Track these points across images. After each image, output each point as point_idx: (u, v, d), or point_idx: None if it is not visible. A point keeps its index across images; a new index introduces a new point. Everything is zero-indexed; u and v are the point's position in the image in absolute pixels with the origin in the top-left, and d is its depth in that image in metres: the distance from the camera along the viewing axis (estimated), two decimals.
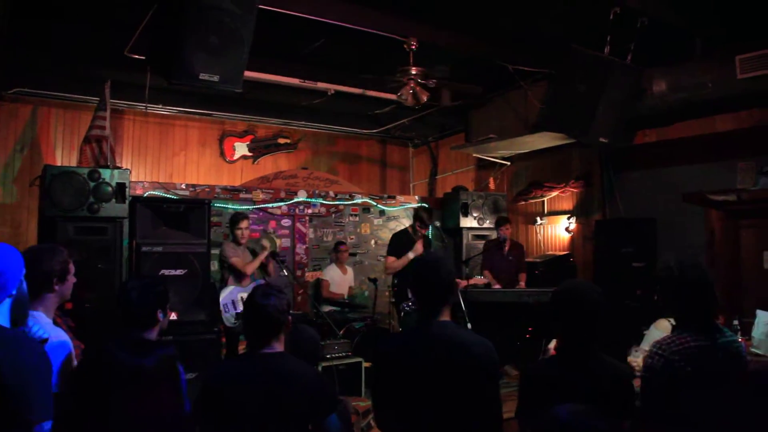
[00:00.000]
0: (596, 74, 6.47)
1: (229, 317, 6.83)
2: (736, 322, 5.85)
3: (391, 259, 7.49)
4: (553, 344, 3.18)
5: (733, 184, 7.35)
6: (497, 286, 8.20)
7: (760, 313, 5.65)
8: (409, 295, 7.12)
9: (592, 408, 2.01)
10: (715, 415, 2.72)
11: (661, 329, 4.43)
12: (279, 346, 3.00)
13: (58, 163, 8.45)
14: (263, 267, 7.33)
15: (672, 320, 4.37)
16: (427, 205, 8.92)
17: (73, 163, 8.16)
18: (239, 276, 7.11)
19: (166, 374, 3.05)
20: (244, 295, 6.84)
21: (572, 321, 2.88)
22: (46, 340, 2.85)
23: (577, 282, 3.08)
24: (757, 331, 5.59)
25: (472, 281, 7.72)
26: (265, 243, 7.31)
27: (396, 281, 7.55)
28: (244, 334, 3.30)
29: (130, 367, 2.95)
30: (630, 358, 4.41)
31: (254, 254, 7.24)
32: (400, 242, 7.54)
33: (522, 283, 8.36)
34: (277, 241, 8.19)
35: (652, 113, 7.67)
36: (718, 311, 4.20)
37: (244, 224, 7.28)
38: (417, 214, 7.53)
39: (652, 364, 2.86)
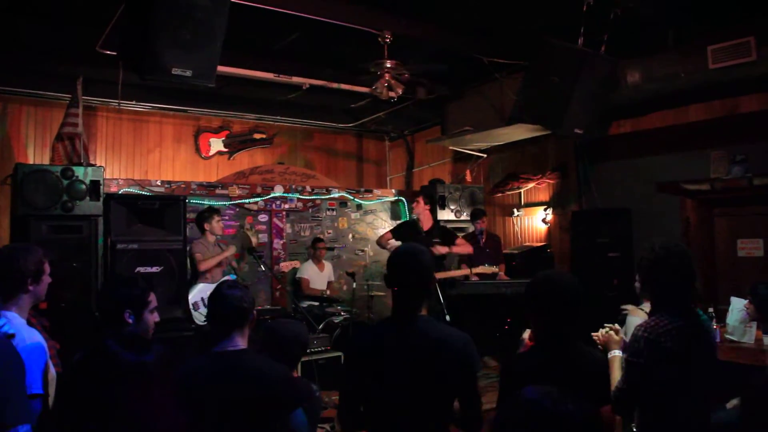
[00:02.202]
0: (570, 65, 6.50)
1: (198, 315, 6.81)
2: (711, 310, 5.93)
3: (388, 236, 7.55)
4: (527, 334, 3.18)
5: (706, 174, 7.43)
6: (475, 278, 8.21)
7: (734, 300, 5.73)
8: None
9: (563, 390, 2.02)
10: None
11: (638, 315, 4.48)
12: (242, 343, 2.99)
13: (30, 161, 8.35)
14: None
15: (645, 308, 4.42)
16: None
17: (46, 161, 8.06)
18: (208, 273, 7.11)
19: (165, 371, 3.02)
20: None
21: (551, 311, 2.88)
22: (12, 336, 2.79)
23: (555, 272, 3.09)
24: (731, 318, 5.68)
25: (476, 270, 7.62)
26: (231, 248, 7.34)
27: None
28: (209, 326, 3.28)
29: (130, 365, 2.91)
30: None
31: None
32: (402, 230, 7.58)
33: (501, 274, 8.38)
34: (254, 238, 8.15)
35: (626, 104, 7.72)
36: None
37: (214, 220, 7.28)
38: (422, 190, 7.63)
39: (638, 347, 2.87)
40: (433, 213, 9.49)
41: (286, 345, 3.66)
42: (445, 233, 7.58)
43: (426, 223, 7.58)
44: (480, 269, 7.51)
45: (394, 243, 7.28)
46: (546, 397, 1.92)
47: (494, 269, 7.58)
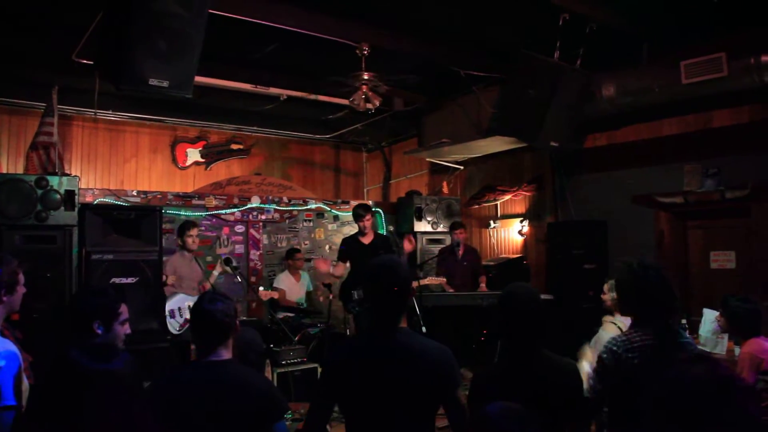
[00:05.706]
0: (546, 79, 6.57)
1: (173, 324, 6.77)
2: (684, 321, 5.99)
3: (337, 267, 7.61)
4: None
5: (680, 187, 7.51)
6: (451, 290, 8.23)
7: (706, 311, 5.79)
8: (355, 296, 7.14)
9: (526, 408, 2.04)
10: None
11: (608, 330, 4.52)
12: (226, 354, 2.96)
13: (4, 170, 8.26)
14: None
15: (617, 321, 4.47)
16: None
17: (20, 170, 7.98)
18: (185, 284, 7.08)
19: (135, 378, 2.98)
20: (191, 303, 6.79)
21: (511, 323, 2.93)
22: None
23: (514, 285, 3.10)
24: (704, 329, 5.74)
25: (424, 281, 7.73)
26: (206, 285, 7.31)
27: (341, 283, 7.63)
28: (192, 340, 3.24)
29: (98, 373, 2.87)
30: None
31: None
32: (346, 247, 7.62)
33: (483, 285, 8.39)
34: (230, 248, 8.12)
35: (601, 117, 7.81)
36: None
37: (193, 232, 7.25)
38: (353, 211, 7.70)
39: (605, 359, 2.94)
40: (410, 228, 9.56)
41: (241, 353, 3.65)
42: (385, 242, 7.62)
43: (369, 236, 7.59)
44: (427, 280, 7.68)
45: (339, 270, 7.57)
46: (507, 414, 1.95)
47: (441, 280, 7.78)
